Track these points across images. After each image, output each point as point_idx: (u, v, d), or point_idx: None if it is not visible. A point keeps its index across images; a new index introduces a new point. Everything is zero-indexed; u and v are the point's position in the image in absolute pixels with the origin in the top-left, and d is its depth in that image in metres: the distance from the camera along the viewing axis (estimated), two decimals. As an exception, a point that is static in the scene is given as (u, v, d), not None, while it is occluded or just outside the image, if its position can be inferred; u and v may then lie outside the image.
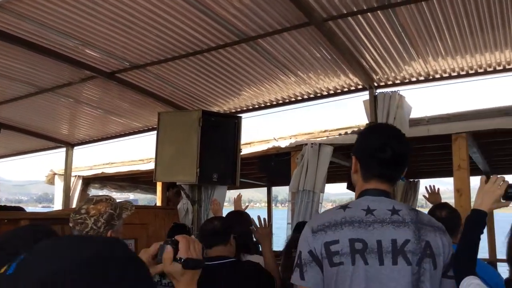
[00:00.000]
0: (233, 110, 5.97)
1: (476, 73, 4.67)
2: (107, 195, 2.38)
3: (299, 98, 5.55)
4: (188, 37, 4.21)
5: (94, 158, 10.40)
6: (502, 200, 1.71)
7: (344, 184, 5.80)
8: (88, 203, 2.23)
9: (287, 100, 5.63)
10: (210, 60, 4.66)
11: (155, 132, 5.09)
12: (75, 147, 7.64)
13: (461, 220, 2.94)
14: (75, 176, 8.04)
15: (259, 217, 3.37)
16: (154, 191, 7.69)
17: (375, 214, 1.64)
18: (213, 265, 2.66)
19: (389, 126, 1.92)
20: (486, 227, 1.70)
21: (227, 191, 5.73)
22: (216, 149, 4.88)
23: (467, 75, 4.70)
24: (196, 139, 4.66)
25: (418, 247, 1.58)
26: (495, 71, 4.62)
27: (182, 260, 1.32)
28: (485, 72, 4.65)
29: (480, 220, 1.70)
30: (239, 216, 3.78)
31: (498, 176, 1.74)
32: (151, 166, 5.93)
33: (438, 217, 2.76)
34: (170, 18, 3.91)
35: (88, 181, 8.47)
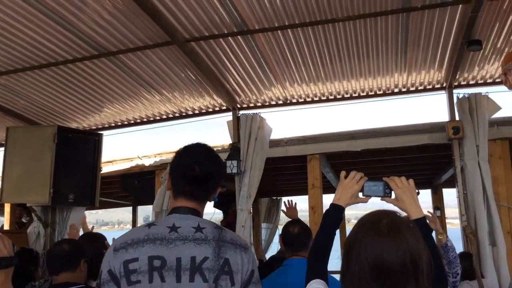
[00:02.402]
0: (94, 127, 5.69)
1: (328, 100, 5.15)
2: None
3: (164, 117, 5.52)
4: (41, 47, 3.93)
5: None
6: (361, 196, 1.74)
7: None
8: None
9: (152, 119, 5.55)
10: (67, 73, 4.41)
11: (3, 148, 4.64)
12: None
13: (312, 236, 3.11)
14: None
15: (113, 239, 3.20)
16: (2, 213, 6.92)
17: (179, 231, 1.62)
18: (56, 294, 2.47)
19: (200, 146, 1.89)
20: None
21: (88, 211, 5.41)
22: (73, 167, 4.57)
23: (320, 101, 5.15)
24: (50, 156, 4.34)
25: (216, 264, 1.58)
26: (343, 98, 5.14)
27: None
28: (335, 99, 5.14)
29: (337, 213, 1.71)
30: (93, 238, 3.56)
31: (357, 172, 1.76)
32: (-2, 185, 5.36)
33: (291, 232, 2.78)
34: (21, 27, 3.61)
35: None
